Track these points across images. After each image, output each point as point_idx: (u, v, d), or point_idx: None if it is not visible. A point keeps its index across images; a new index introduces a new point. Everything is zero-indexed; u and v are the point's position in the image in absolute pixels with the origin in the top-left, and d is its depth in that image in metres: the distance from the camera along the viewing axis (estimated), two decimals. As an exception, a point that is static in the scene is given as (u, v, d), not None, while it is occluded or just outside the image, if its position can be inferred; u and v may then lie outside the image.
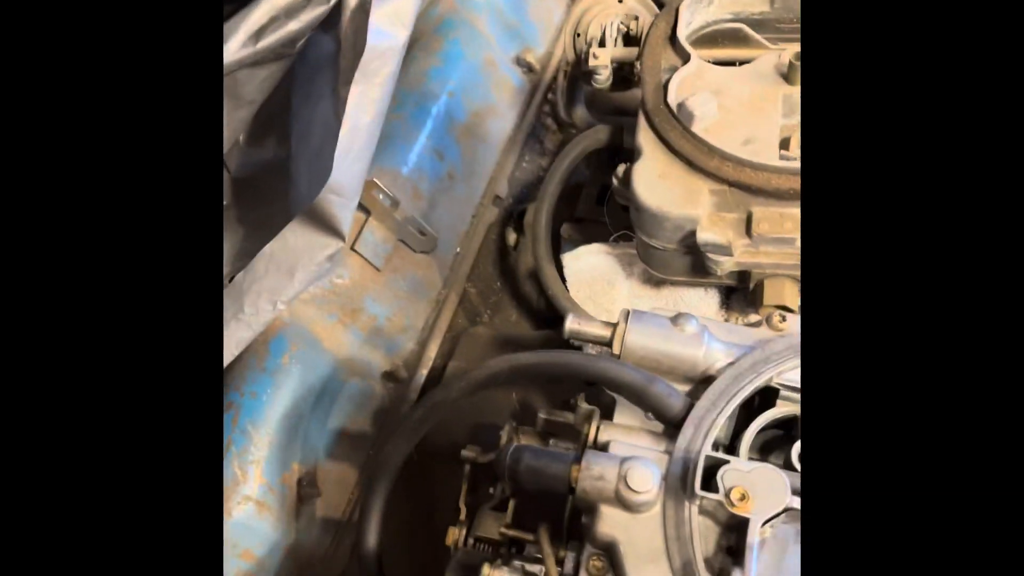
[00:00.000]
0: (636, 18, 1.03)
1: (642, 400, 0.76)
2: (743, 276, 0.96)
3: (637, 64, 0.96)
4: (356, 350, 1.15)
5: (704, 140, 0.89)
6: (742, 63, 0.96)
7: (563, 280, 1.10)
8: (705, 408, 0.72)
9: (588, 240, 1.16)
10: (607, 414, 0.79)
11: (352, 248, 1.15)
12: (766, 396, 0.75)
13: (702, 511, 0.68)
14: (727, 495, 0.65)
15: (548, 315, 1.13)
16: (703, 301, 1.06)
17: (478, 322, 1.26)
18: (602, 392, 0.82)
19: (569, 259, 1.10)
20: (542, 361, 0.81)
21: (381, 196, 1.17)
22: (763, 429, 0.74)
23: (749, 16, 1.00)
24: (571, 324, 0.80)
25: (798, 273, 0.93)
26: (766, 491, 0.65)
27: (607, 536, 0.69)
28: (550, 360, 0.81)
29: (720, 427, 0.72)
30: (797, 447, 0.72)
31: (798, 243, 0.89)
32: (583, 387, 0.88)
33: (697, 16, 0.99)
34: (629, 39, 1.02)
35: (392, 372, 1.19)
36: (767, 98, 0.92)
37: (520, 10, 1.54)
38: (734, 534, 0.67)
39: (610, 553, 0.69)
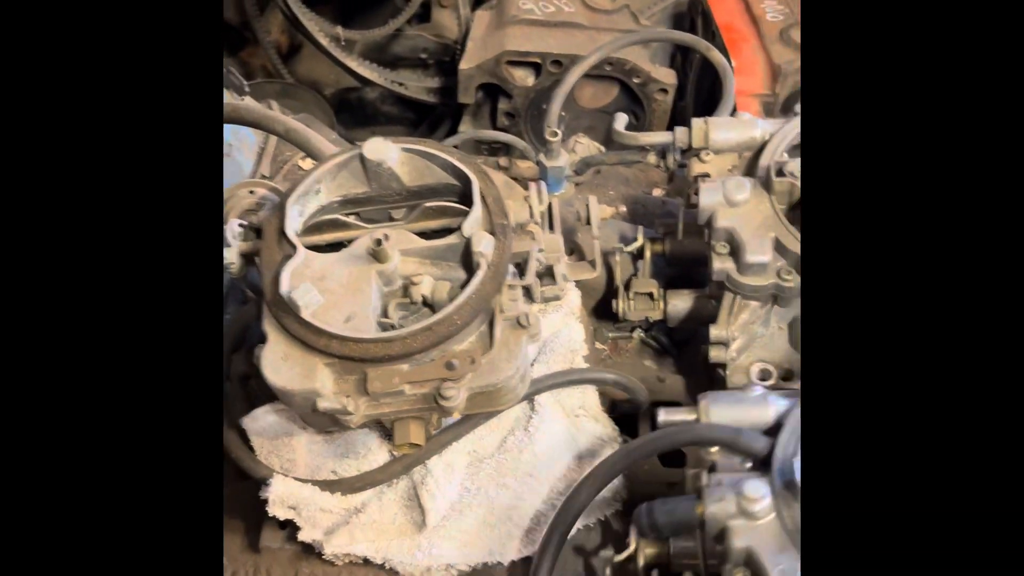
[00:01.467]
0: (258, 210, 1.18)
1: (734, 448, 0.96)
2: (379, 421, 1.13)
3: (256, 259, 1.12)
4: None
5: (312, 324, 1.05)
6: (347, 244, 1.13)
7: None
8: (787, 437, 0.92)
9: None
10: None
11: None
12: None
13: None
14: None
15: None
16: (368, 437, 1.23)
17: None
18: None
19: (248, 422, 1.23)
20: (650, 441, 1.04)
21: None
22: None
23: (354, 196, 1.17)
24: (663, 417, 1.02)
25: (421, 415, 1.10)
26: None
27: (741, 546, 0.87)
28: (658, 438, 1.02)
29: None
30: None
31: (409, 391, 1.06)
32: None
33: (308, 206, 1.16)
34: (258, 231, 1.17)
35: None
36: (362, 277, 1.09)
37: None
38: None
39: (748, 559, 0.87)
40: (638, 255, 1.40)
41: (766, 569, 0.86)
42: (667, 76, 2.04)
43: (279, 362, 1.06)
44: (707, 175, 1.30)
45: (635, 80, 2.02)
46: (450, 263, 1.12)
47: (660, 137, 1.42)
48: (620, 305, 1.38)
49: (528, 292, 1.16)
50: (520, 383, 1.13)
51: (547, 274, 1.25)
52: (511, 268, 1.14)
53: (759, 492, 0.88)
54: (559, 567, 1.11)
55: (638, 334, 1.47)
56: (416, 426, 1.11)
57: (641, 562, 1.04)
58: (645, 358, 1.47)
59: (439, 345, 1.06)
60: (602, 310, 1.48)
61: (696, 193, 1.26)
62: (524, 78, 2.06)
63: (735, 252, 1.21)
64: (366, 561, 1.18)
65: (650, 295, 1.37)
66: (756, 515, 0.89)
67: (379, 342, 1.04)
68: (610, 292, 1.44)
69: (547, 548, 1.09)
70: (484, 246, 1.07)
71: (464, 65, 2.05)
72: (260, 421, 1.24)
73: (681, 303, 1.36)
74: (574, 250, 1.41)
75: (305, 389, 1.05)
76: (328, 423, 1.13)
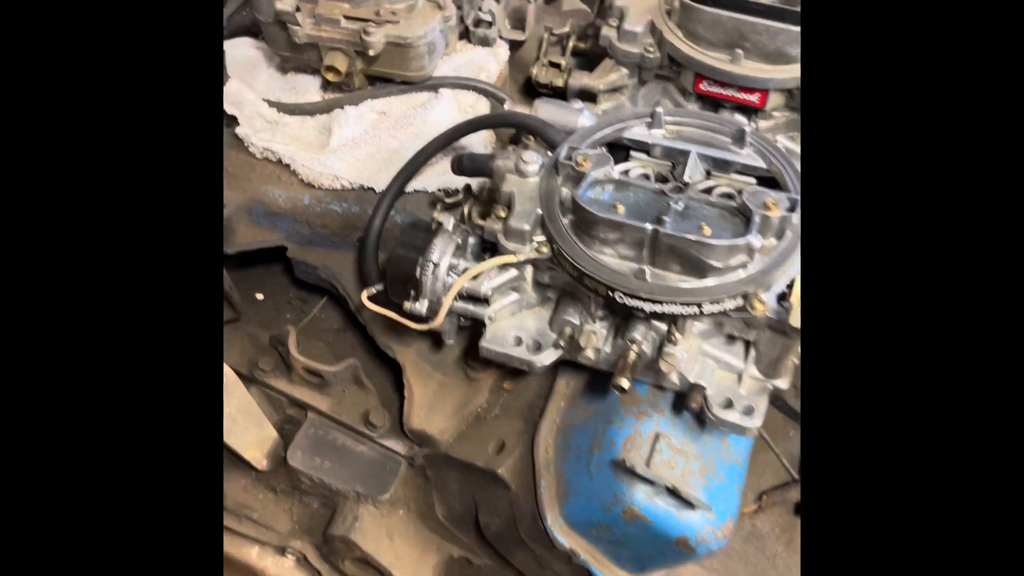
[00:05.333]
0: None
1: (541, 133, 1.28)
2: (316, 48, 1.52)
3: None
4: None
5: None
6: None
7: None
8: (576, 137, 1.23)
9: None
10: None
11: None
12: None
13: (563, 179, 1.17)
14: (576, 161, 1.14)
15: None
16: (311, 83, 1.61)
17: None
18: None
19: (228, 47, 1.62)
20: (486, 117, 1.40)
21: None
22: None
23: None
24: (508, 106, 1.46)
25: (347, 49, 1.48)
26: (596, 161, 1.14)
27: (508, 191, 1.19)
28: (493, 116, 1.41)
29: (582, 140, 1.20)
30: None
31: (344, 24, 1.44)
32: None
33: None
34: None
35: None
36: None
37: None
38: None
39: (509, 202, 1.18)
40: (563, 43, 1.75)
41: (516, 208, 1.17)
42: None
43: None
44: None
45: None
46: None
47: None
48: (534, 70, 1.73)
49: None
50: (428, 59, 1.51)
51: (485, 24, 1.64)
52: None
53: (532, 158, 1.21)
54: (407, 209, 1.47)
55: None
56: (341, 57, 1.49)
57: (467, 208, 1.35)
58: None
59: (376, -3, 1.45)
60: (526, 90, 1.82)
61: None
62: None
63: (620, 22, 1.57)
64: (279, 161, 1.55)
65: (559, 65, 1.71)
66: (526, 173, 1.21)
67: (330, -24, 1.43)
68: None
69: (392, 184, 1.43)
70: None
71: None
72: (239, 50, 1.63)
73: (580, 78, 1.69)
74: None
75: (274, -7, 1.44)
76: (284, 42, 1.52)
